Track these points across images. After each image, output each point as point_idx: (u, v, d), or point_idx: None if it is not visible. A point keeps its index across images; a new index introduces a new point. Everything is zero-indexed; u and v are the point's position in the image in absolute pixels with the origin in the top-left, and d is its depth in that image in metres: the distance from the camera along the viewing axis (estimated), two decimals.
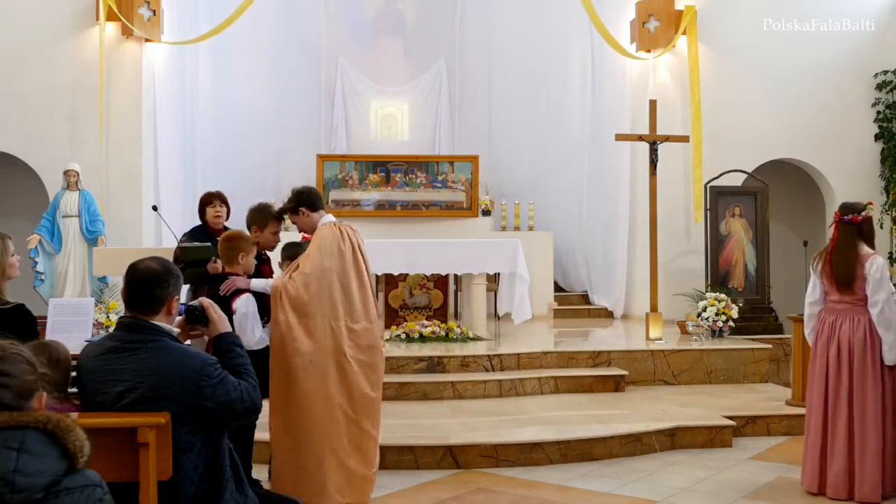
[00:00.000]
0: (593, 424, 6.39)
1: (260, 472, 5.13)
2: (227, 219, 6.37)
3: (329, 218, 4.87)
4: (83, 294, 9.31)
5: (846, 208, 5.15)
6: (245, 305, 4.51)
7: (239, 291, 4.57)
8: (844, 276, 5.04)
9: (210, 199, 6.14)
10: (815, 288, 5.25)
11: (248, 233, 5.12)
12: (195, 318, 3.19)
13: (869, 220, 5.12)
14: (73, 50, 10.21)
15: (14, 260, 3.89)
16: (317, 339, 4.53)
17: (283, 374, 4.50)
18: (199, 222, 6.21)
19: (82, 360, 3.00)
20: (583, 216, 12.22)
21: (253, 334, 4.50)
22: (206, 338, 3.42)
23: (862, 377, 4.99)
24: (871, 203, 5.26)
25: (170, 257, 4.09)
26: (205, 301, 3.24)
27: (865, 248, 5.06)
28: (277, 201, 11.95)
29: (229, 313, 4.41)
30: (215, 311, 3.23)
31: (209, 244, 5.63)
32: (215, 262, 6.05)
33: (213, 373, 2.92)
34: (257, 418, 3.43)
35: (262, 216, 5.17)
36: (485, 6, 13.37)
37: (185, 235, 5.98)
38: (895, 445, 4.98)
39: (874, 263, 4.97)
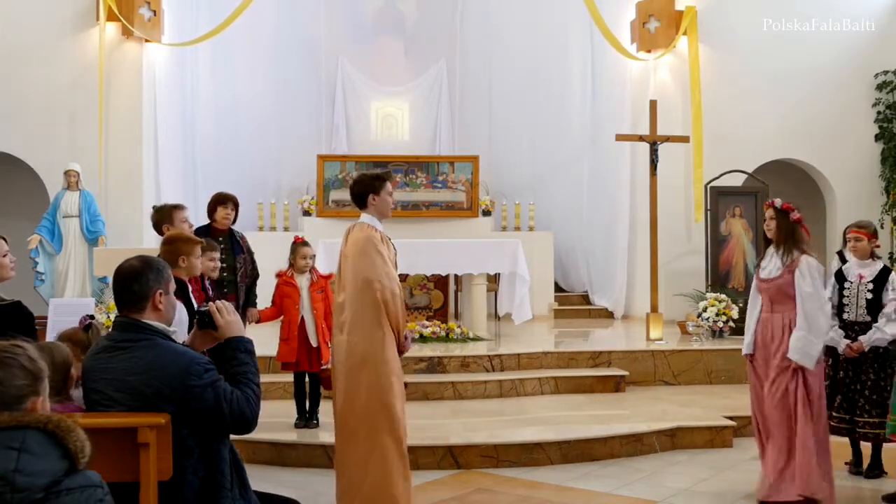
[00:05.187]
0: (594, 425, 6.39)
1: (254, 472, 5.12)
2: (233, 222, 6.42)
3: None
4: (83, 294, 9.31)
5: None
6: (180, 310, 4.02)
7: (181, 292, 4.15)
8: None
9: (224, 200, 6.28)
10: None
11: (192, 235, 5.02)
12: (203, 322, 3.14)
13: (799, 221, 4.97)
14: (74, 50, 10.21)
15: (6, 260, 3.81)
16: None
17: None
18: (203, 222, 6.21)
19: (85, 359, 3.00)
20: (583, 216, 12.21)
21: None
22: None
23: (770, 378, 4.86)
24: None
25: None
26: (212, 305, 3.15)
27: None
28: (277, 202, 12.01)
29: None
30: (223, 316, 3.10)
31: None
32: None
33: (202, 373, 2.82)
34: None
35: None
36: (485, 6, 13.36)
37: None
38: (818, 447, 4.75)
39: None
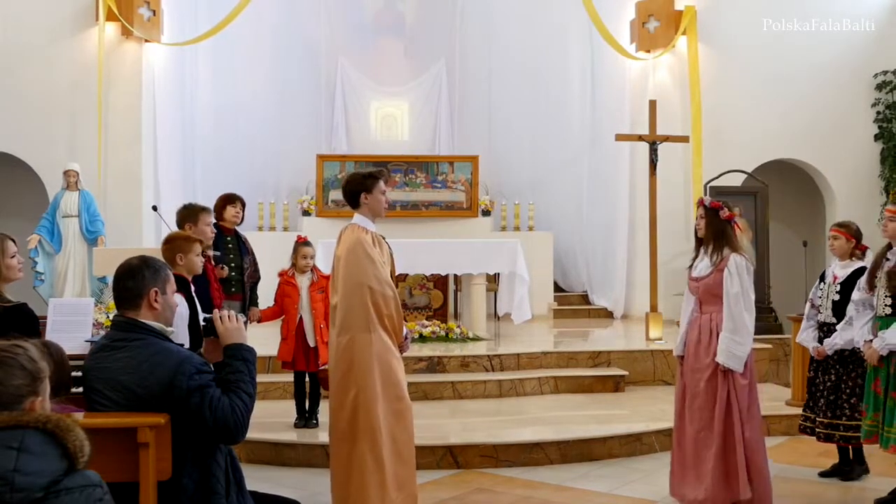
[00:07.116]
0: (593, 424, 6.39)
1: (253, 472, 5.12)
2: (241, 222, 6.47)
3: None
4: (83, 294, 9.30)
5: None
6: (180, 304, 4.05)
7: (183, 289, 4.20)
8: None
9: (233, 199, 6.38)
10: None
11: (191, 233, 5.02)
12: (206, 329, 3.12)
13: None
14: (73, 50, 10.21)
15: (14, 262, 3.81)
16: None
17: None
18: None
19: (87, 359, 3.01)
20: (583, 216, 12.21)
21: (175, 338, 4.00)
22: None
23: (699, 382, 4.71)
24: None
25: None
26: (215, 313, 3.13)
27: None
28: (277, 202, 12.01)
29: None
30: (222, 322, 3.05)
31: (218, 253, 5.71)
32: (223, 268, 6.09)
33: (192, 374, 2.78)
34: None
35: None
36: (485, 6, 13.36)
37: None
38: (750, 451, 4.59)
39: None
